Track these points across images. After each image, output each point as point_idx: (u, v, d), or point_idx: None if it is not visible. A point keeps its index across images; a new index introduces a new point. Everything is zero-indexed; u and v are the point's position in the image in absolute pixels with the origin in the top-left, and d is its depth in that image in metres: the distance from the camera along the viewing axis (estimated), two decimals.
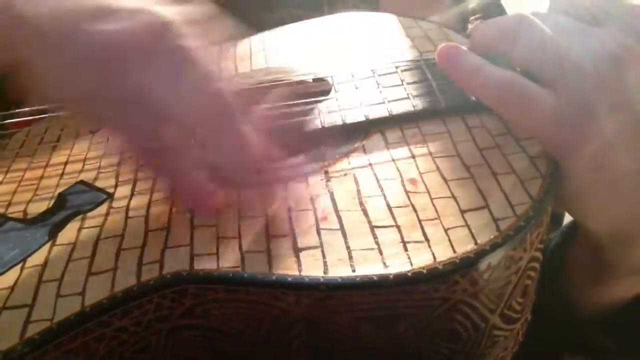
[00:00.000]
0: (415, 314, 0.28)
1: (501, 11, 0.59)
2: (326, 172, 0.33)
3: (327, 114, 0.37)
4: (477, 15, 0.58)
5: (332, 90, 0.39)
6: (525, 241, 0.29)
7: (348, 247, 0.28)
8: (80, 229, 0.32)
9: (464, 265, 0.27)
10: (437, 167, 0.32)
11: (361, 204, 0.31)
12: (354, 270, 0.27)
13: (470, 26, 0.57)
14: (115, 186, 0.35)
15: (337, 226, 0.30)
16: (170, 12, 0.30)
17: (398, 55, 0.42)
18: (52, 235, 0.32)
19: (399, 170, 0.32)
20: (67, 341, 0.27)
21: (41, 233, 0.32)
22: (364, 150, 0.34)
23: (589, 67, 0.30)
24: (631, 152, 0.30)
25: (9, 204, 0.35)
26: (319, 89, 0.40)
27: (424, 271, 0.27)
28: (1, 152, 0.41)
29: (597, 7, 0.34)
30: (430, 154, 0.33)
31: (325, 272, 0.27)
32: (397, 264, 0.27)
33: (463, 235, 0.28)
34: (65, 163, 0.38)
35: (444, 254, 0.27)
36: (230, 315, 0.29)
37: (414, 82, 0.38)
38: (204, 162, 0.31)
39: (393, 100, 0.37)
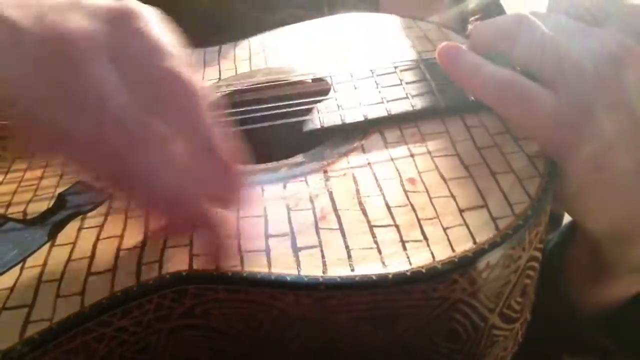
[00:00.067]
0: (415, 314, 0.28)
1: (500, 11, 0.59)
2: (325, 172, 0.33)
3: (326, 113, 0.37)
4: (476, 16, 0.58)
5: (331, 90, 0.39)
6: (524, 240, 0.29)
7: (347, 247, 0.28)
8: (80, 229, 0.32)
9: (463, 265, 0.27)
10: (436, 167, 0.32)
11: (360, 203, 0.31)
12: (353, 270, 0.27)
13: (469, 26, 0.57)
14: None
15: (336, 226, 0.30)
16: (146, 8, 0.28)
17: (397, 55, 0.42)
18: (52, 235, 0.32)
19: (397, 170, 0.32)
20: (67, 341, 0.27)
21: (41, 233, 0.32)
22: (363, 150, 0.34)
23: (588, 67, 0.30)
24: (630, 152, 0.30)
25: (9, 204, 0.35)
26: (318, 88, 0.40)
27: (423, 270, 0.27)
28: (1, 153, 0.41)
29: (597, 7, 0.34)
30: (429, 153, 0.33)
31: (324, 272, 0.27)
32: (396, 264, 0.27)
33: (462, 234, 0.28)
34: None
35: (442, 253, 0.27)
36: (230, 315, 0.29)
37: (412, 82, 0.38)
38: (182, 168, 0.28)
39: (392, 100, 0.37)
